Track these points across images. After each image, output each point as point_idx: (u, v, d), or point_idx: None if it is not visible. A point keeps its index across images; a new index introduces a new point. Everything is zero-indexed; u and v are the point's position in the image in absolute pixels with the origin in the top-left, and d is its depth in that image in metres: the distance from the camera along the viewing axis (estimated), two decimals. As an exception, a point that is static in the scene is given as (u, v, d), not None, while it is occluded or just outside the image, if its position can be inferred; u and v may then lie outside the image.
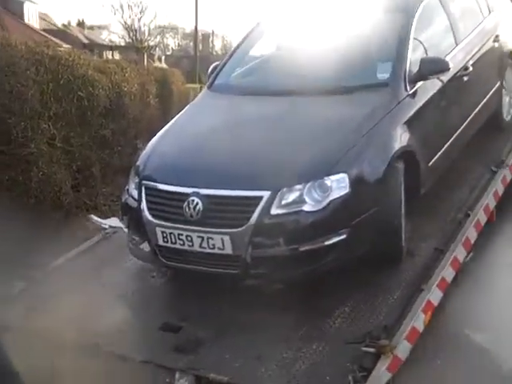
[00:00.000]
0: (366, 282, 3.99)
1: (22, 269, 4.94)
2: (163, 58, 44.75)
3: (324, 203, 3.73)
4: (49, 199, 7.08)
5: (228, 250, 3.75)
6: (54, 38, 24.98)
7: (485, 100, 5.56)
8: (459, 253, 4.29)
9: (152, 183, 4.11)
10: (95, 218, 6.26)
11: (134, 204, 4.16)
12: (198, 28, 34.72)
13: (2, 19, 24.67)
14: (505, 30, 6.10)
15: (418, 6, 4.83)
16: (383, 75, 4.50)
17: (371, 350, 3.42)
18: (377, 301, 3.87)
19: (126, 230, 4.54)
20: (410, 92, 4.41)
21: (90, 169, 8.10)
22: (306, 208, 3.73)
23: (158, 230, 3.93)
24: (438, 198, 4.79)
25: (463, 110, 5.20)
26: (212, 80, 5.11)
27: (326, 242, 3.73)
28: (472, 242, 4.52)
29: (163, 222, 3.93)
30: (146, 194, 4.09)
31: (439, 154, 4.69)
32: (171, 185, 4.02)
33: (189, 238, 3.82)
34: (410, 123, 4.30)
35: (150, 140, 4.65)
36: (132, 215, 4.25)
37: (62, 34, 34.91)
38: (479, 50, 5.47)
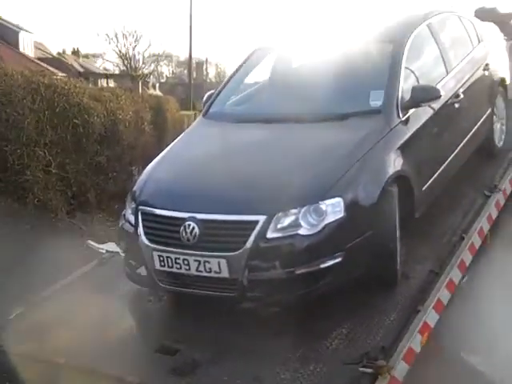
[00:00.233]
0: (363, 304, 4.00)
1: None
2: (157, 85, 45.06)
3: (319, 227, 3.77)
4: (45, 225, 7.10)
5: (225, 274, 3.77)
6: (49, 67, 25.22)
7: (476, 126, 5.65)
8: (454, 275, 4.33)
9: (149, 208, 4.14)
10: (92, 242, 6.27)
11: (131, 229, 4.19)
12: (192, 56, 35.07)
13: (-3, 49, 24.87)
14: (494, 59, 6.22)
15: (408, 35, 4.92)
16: (376, 102, 4.56)
17: (369, 370, 3.42)
18: (373, 322, 3.88)
19: (122, 254, 4.57)
20: (403, 119, 4.48)
21: (86, 195, 8.14)
22: (302, 232, 3.76)
23: (155, 255, 3.95)
24: (432, 221, 4.83)
25: (455, 136, 5.28)
26: (207, 108, 5.15)
27: (322, 265, 3.76)
28: (467, 264, 4.56)
29: (160, 247, 3.95)
30: (143, 219, 4.11)
31: (433, 178, 4.75)
32: (168, 210, 4.05)
33: (186, 262, 3.85)
34: (403, 149, 4.36)
35: (145, 166, 4.69)
36: (129, 240, 4.27)
37: (57, 62, 35.21)
38: (470, 78, 5.56)
